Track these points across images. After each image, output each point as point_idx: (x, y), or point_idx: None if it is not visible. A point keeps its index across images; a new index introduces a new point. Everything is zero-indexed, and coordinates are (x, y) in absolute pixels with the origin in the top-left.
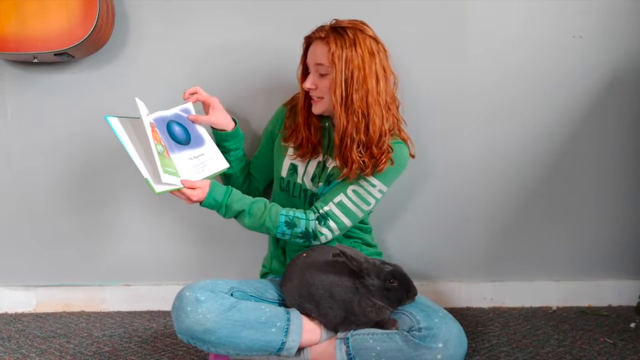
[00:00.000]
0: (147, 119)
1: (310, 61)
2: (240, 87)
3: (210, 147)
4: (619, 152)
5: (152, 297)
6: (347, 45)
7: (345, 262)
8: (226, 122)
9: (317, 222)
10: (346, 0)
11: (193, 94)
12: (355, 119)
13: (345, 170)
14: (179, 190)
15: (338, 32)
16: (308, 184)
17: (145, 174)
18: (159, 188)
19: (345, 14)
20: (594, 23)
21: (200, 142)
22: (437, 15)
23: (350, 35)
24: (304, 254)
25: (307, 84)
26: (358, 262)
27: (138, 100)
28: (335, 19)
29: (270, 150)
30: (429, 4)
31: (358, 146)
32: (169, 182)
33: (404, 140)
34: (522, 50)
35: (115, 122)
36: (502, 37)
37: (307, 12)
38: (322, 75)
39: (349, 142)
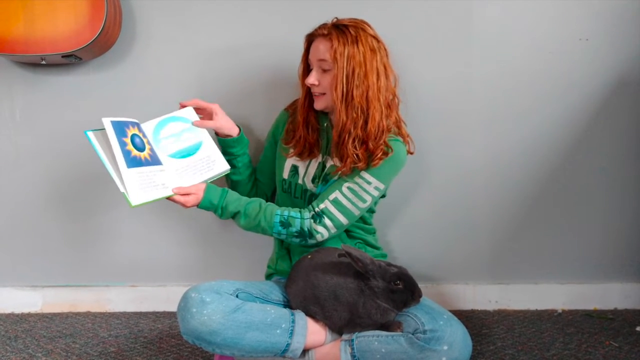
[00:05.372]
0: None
1: (312, 58)
2: (246, 88)
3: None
4: (624, 155)
5: (157, 298)
6: (349, 42)
7: (350, 264)
8: (230, 127)
9: (312, 220)
10: (351, 0)
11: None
12: (355, 115)
13: (340, 165)
14: (171, 197)
15: (340, 30)
16: (309, 185)
17: (122, 188)
18: (135, 201)
19: (350, 15)
20: (600, 26)
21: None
22: (442, 17)
23: (352, 32)
24: (309, 256)
25: (311, 80)
26: (363, 264)
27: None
28: (336, 18)
29: (274, 154)
30: (435, 6)
31: (354, 141)
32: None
33: (403, 137)
34: (528, 52)
35: (93, 136)
36: (507, 40)
37: (313, 14)
38: (324, 71)
39: (346, 138)
